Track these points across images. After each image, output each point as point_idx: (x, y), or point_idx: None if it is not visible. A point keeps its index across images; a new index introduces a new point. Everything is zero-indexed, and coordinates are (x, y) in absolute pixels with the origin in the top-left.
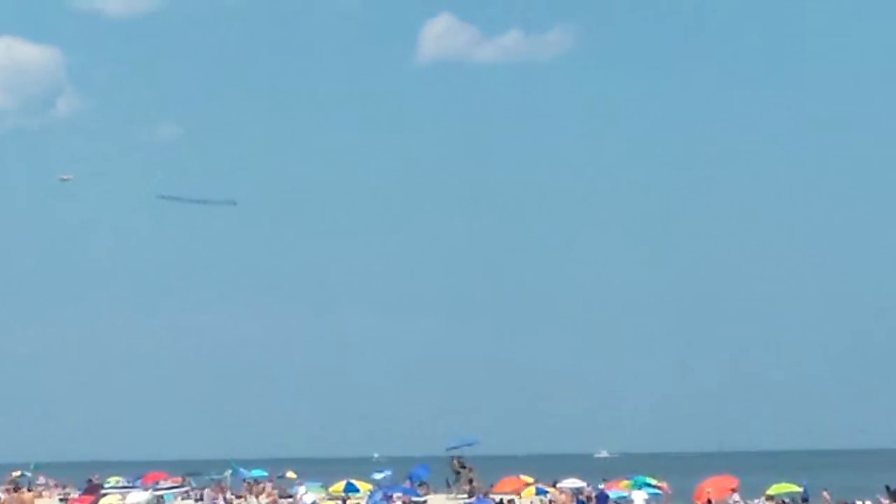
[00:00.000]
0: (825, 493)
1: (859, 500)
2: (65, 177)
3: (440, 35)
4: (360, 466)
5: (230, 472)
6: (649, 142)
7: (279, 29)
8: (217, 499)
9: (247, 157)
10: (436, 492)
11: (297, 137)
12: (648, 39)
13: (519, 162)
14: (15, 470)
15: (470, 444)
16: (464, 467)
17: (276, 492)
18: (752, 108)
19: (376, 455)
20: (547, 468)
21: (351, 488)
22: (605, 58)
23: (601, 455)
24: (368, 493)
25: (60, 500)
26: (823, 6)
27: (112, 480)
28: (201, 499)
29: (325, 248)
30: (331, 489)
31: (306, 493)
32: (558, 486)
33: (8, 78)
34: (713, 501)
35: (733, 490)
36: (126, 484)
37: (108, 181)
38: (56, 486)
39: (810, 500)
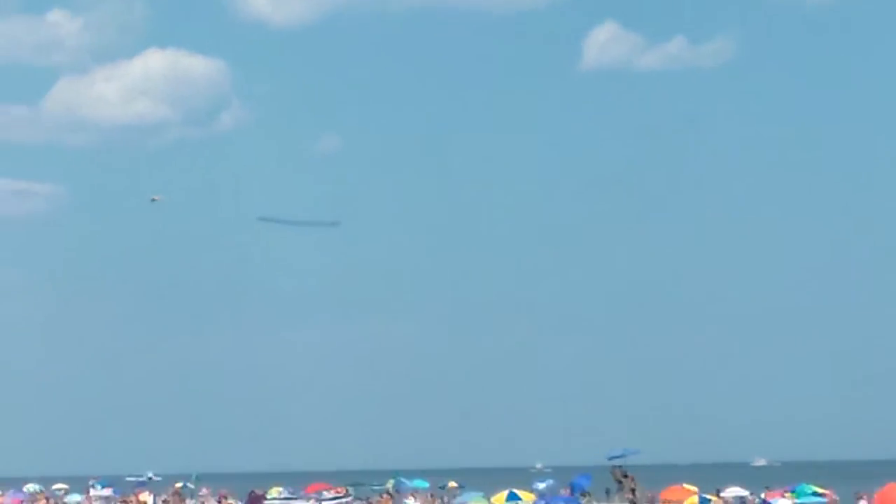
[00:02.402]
0: None
1: None
2: (155, 197)
3: (604, 43)
4: (522, 476)
5: (392, 482)
6: (809, 152)
7: (442, 38)
8: None
9: (406, 169)
10: (598, 501)
11: (458, 146)
12: (808, 49)
13: (682, 171)
14: (178, 481)
15: (632, 454)
16: (626, 476)
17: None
18: None
19: (538, 465)
20: (707, 477)
21: (513, 497)
22: (768, 65)
23: (759, 463)
24: (531, 502)
25: None
26: None
27: (274, 492)
28: None
29: (490, 259)
30: (493, 499)
31: None
32: (721, 494)
33: (174, 90)
34: None
35: None
36: (288, 495)
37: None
38: (221, 497)
39: None
